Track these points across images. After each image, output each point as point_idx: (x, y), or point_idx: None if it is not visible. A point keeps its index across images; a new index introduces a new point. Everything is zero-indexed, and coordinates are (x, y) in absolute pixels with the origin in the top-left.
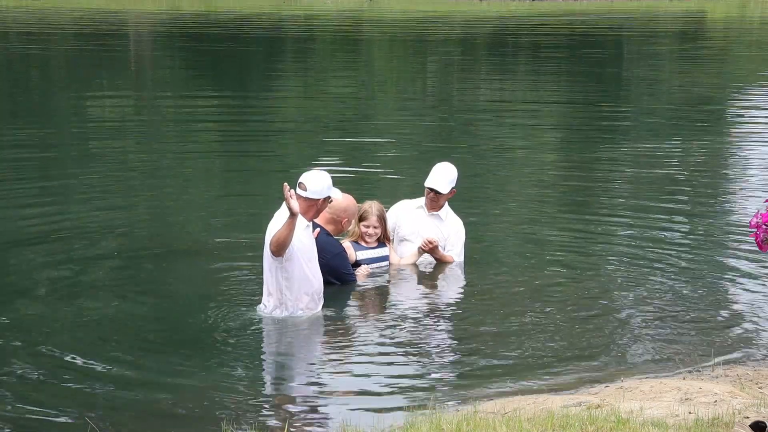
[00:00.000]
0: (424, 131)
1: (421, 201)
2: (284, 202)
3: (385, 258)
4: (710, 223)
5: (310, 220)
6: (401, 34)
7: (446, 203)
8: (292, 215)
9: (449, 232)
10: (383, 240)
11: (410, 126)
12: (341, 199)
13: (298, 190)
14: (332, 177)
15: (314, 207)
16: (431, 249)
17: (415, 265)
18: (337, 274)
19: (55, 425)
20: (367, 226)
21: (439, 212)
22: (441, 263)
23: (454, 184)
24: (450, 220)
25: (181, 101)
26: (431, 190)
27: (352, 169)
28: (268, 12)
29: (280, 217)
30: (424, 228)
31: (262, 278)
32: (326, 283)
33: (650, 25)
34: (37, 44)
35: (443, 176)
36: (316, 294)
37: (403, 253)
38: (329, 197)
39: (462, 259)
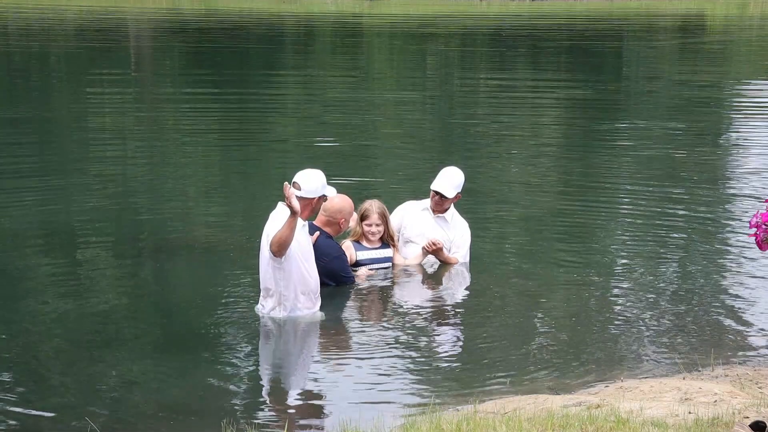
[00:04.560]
0: (425, 129)
1: (427, 203)
2: (279, 203)
3: (387, 259)
4: (710, 222)
5: (306, 219)
6: (401, 34)
7: (452, 205)
8: (293, 214)
9: (455, 234)
10: (387, 239)
11: (411, 124)
12: (336, 198)
13: (293, 190)
14: (335, 176)
15: (309, 206)
16: (435, 250)
17: (418, 266)
18: (336, 277)
19: (55, 425)
20: (369, 225)
21: (444, 214)
22: (446, 265)
23: (460, 189)
24: (456, 222)
25: (179, 99)
26: (437, 193)
27: (352, 168)
28: (268, 11)
29: (277, 217)
30: (429, 230)
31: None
32: (324, 284)
33: (650, 23)
34: (37, 41)
35: (450, 181)
36: (313, 293)
37: (408, 255)
38: (324, 196)
39: (467, 260)
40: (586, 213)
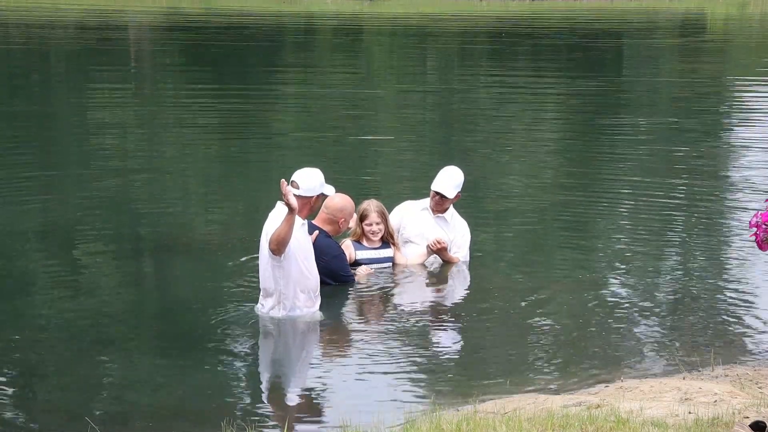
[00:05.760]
0: (425, 129)
1: (426, 202)
2: (278, 202)
3: (387, 259)
4: (710, 222)
5: (305, 218)
6: (401, 34)
7: (451, 205)
8: (291, 211)
9: (455, 234)
10: (387, 238)
11: (410, 123)
12: (335, 197)
13: (291, 189)
14: (334, 175)
15: (308, 205)
16: (439, 250)
17: (418, 265)
18: (336, 276)
19: (55, 425)
20: (370, 224)
21: (444, 214)
22: (446, 264)
23: (460, 189)
24: (455, 222)
25: (179, 96)
26: (437, 193)
27: (352, 168)
28: (268, 11)
29: (276, 216)
30: (429, 230)
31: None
32: (324, 283)
33: (651, 23)
34: (36, 40)
35: (450, 181)
36: (312, 292)
37: (408, 255)
38: (323, 194)
39: (468, 259)
40: (586, 211)
